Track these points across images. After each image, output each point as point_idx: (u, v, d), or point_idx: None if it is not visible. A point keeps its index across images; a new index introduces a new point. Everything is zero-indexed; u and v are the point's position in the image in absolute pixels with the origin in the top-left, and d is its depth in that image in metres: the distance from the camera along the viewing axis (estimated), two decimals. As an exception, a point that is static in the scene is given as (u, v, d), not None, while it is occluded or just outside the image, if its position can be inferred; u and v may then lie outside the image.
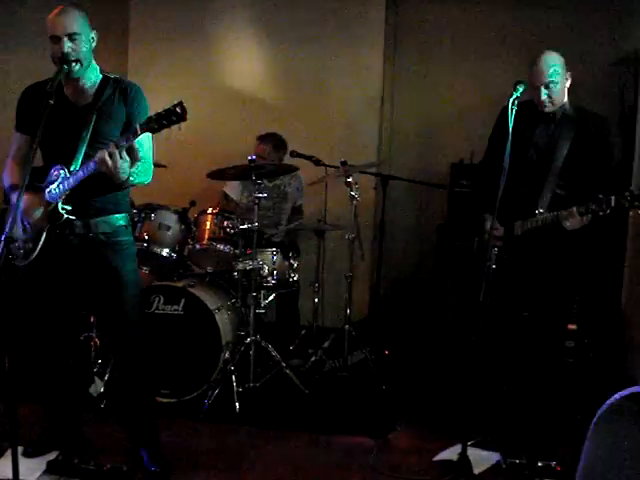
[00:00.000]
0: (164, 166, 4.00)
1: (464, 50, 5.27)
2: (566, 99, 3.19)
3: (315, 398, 3.75)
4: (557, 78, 3.08)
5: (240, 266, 3.83)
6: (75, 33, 2.64)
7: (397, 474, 2.95)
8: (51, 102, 2.49)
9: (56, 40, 2.64)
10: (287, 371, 3.81)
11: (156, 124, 2.45)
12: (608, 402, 1.26)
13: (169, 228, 3.89)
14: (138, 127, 2.49)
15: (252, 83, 5.26)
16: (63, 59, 2.62)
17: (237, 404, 3.52)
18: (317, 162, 4.37)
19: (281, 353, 3.90)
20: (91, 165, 2.56)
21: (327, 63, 5.16)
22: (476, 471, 2.88)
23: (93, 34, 2.73)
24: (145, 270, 3.91)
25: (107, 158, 2.50)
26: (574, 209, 2.90)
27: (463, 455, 2.84)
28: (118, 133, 2.70)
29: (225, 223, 3.97)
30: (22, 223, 2.75)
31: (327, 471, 2.99)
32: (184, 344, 3.64)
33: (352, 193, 4.04)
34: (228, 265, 3.94)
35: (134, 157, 2.69)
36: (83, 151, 2.66)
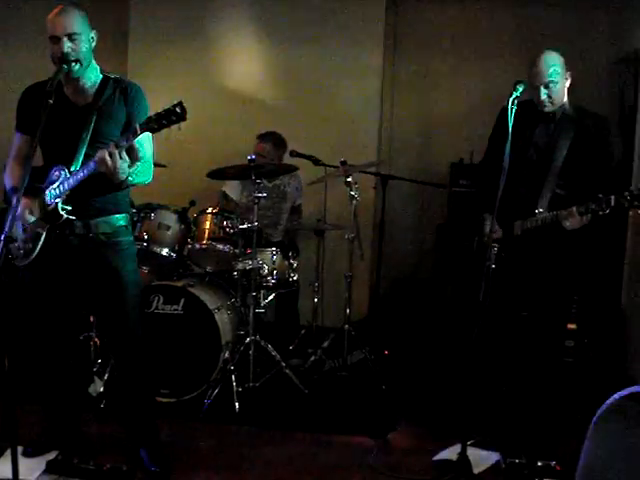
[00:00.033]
0: (164, 166, 4.00)
1: (464, 50, 5.27)
2: (566, 99, 3.19)
3: (315, 398, 3.74)
4: (557, 78, 3.08)
5: (240, 266, 3.83)
6: (75, 33, 2.64)
7: (397, 474, 2.95)
8: (50, 102, 2.49)
9: (56, 40, 2.64)
10: (287, 371, 3.81)
11: (156, 124, 2.45)
12: (608, 402, 1.26)
13: (169, 228, 3.89)
14: (138, 127, 2.50)
15: (252, 83, 5.26)
16: (63, 59, 2.62)
17: (237, 404, 3.52)
18: (317, 162, 4.37)
19: (281, 353, 3.90)
20: (91, 165, 2.56)
21: (327, 63, 5.16)
22: (476, 471, 2.88)
23: (93, 34, 2.73)
24: (145, 270, 3.91)
25: (107, 158, 2.50)
26: (574, 209, 2.90)
27: (463, 455, 2.83)
28: (118, 133, 2.70)
29: (225, 223, 3.97)
30: (22, 223, 2.75)
31: (327, 471, 2.99)
32: (184, 344, 3.64)
33: (352, 193, 4.04)
34: (228, 265, 3.94)
35: (134, 157, 2.69)
36: (83, 151, 2.66)
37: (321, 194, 4.48)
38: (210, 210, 4.03)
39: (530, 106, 3.16)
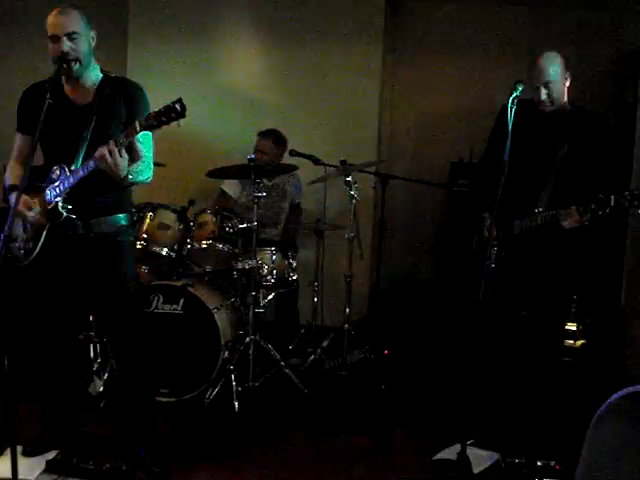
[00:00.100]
0: (163, 165, 3.99)
1: (464, 50, 5.27)
2: (566, 99, 3.19)
3: (314, 397, 3.74)
4: (557, 78, 3.08)
5: (239, 265, 3.82)
6: (74, 32, 2.64)
7: (397, 474, 2.95)
8: (50, 100, 2.49)
9: (55, 39, 2.64)
10: (286, 370, 3.81)
11: (155, 121, 2.45)
12: (608, 402, 1.26)
13: (168, 227, 3.88)
14: (137, 124, 2.49)
15: (252, 83, 5.25)
16: (62, 58, 2.62)
17: (236, 403, 3.52)
18: (316, 161, 4.37)
19: (280, 352, 3.90)
20: (91, 163, 2.56)
21: (327, 63, 5.16)
22: (475, 470, 2.88)
23: (93, 34, 2.73)
24: (144, 269, 3.91)
25: (107, 155, 2.50)
26: (573, 208, 2.90)
27: (462, 454, 2.83)
28: (119, 132, 2.70)
29: (224, 222, 3.97)
30: (22, 222, 2.75)
31: (327, 471, 2.98)
32: (183, 343, 3.64)
33: (351, 192, 4.04)
34: (227, 264, 3.94)
35: (134, 156, 2.69)
36: (84, 150, 2.66)
37: (321, 194, 4.48)
38: (210, 209, 4.03)
39: (530, 106, 3.16)
